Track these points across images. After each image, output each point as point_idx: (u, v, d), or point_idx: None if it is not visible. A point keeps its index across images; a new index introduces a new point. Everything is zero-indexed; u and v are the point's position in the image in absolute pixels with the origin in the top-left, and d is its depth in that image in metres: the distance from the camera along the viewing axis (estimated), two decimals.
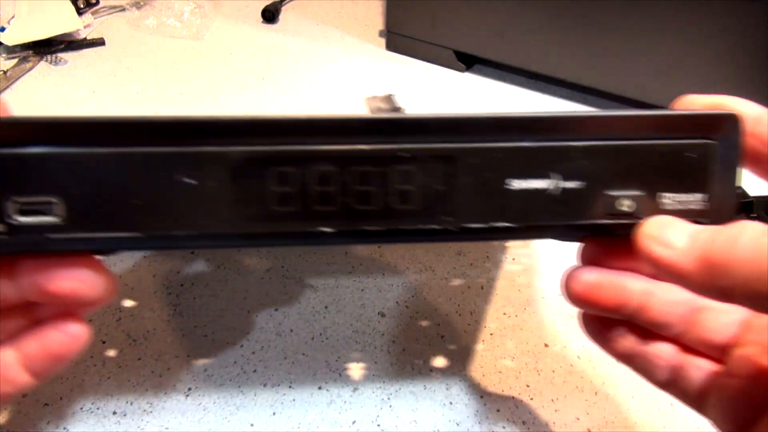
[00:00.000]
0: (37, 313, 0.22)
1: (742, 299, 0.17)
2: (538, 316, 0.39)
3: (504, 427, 0.33)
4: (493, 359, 0.36)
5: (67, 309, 0.22)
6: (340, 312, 0.38)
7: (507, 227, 0.20)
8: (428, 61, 0.72)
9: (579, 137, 0.20)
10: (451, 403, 0.34)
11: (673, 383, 0.24)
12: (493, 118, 0.20)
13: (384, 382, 0.34)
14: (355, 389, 0.34)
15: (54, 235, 0.19)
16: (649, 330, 0.23)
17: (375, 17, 0.84)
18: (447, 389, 0.34)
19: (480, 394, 0.34)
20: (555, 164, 0.20)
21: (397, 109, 0.57)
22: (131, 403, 0.32)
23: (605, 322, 0.24)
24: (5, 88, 0.61)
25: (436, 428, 0.32)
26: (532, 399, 0.34)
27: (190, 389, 0.33)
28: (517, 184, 0.20)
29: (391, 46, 0.74)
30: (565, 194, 0.20)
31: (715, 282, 0.17)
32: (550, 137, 0.20)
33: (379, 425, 0.32)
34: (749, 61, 0.54)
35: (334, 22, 0.82)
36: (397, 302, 0.39)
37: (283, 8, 0.83)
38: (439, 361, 0.36)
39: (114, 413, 0.32)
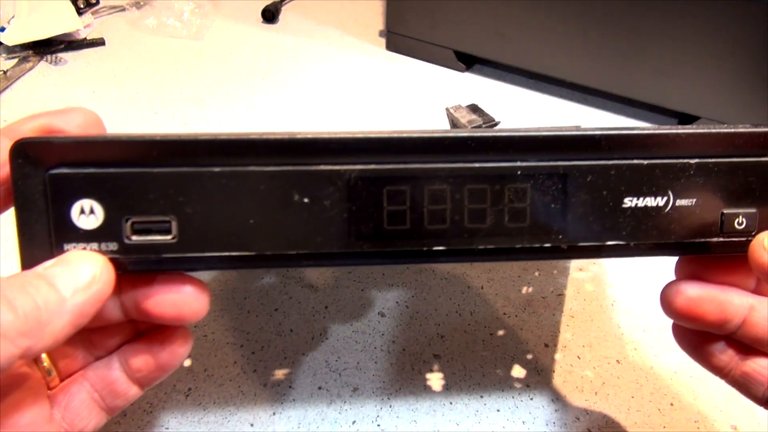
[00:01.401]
0: (138, 324, 0.23)
1: None
2: (537, 316, 0.39)
3: (504, 427, 0.33)
4: (493, 359, 0.36)
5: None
6: (340, 312, 0.38)
7: (619, 245, 0.20)
8: (428, 61, 0.72)
9: (693, 154, 0.19)
10: (451, 403, 0.34)
11: None
12: (607, 135, 0.19)
13: (384, 382, 0.34)
14: (355, 389, 0.34)
15: (166, 254, 0.19)
16: (749, 345, 0.23)
17: (375, 17, 0.84)
18: (447, 389, 0.34)
19: (480, 394, 0.34)
20: (669, 182, 0.20)
21: (491, 120, 0.55)
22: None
23: (703, 336, 0.24)
24: (5, 88, 0.61)
25: (436, 428, 0.32)
26: (532, 399, 0.34)
27: (190, 389, 0.33)
28: (632, 201, 0.20)
29: (391, 46, 0.74)
30: (678, 212, 0.20)
31: None
32: (664, 154, 0.19)
33: (379, 425, 0.32)
34: (749, 61, 0.54)
35: (334, 22, 0.82)
36: (397, 302, 0.39)
37: (283, 8, 0.83)
38: (439, 361, 0.36)
39: None
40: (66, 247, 0.19)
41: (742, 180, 0.20)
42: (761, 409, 0.24)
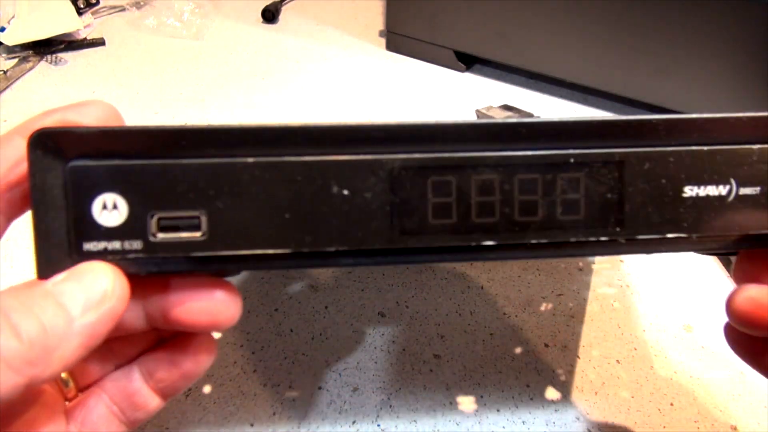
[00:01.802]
0: (161, 331, 0.21)
1: None
2: (537, 316, 0.39)
3: (504, 427, 0.33)
4: (493, 359, 0.36)
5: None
6: (340, 312, 0.38)
7: (679, 238, 0.19)
8: (428, 61, 0.72)
9: (756, 139, 0.18)
10: (451, 403, 0.34)
11: None
12: (665, 120, 0.18)
13: (384, 382, 0.34)
14: (355, 389, 0.34)
15: (196, 253, 0.18)
16: None
17: (375, 17, 0.84)
18: (447, 389, 0.34)
19: (480, 394, 0.34)
20: (732, 169, 0.18)
21: (530, 115, 0.54)
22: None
23: (762, 342, 0.22)
24: (5, 88, 0.61)
25: (436, 428, 0.32)
26: (532, 399, 0.34)
27: (190, 389, 0.33)
28: (692, 191, 0.19)
29: (391, 46, 0.74)
30: (742, 201, 0.19)
31: None
32: (726, 139, 0.18)
33: (379, 425, 0.32)
34: (749, 61, 0.54)
35: (334, 22, 0.82)
36: (397, 302, 0.39)
37: (283, 8, 0.83)
38: (439, 361, 0.36)
39: None
40: (86, 246, 0.17)
41: None
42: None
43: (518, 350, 0.37)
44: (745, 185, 0.19)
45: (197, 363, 0.21)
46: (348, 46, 0.75)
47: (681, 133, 0.18)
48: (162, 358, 0.21)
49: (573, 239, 0.19)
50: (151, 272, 0.18)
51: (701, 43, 0.55)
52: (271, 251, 0.18)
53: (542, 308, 0.39)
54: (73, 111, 0.18)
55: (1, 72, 0.62)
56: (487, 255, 0.19)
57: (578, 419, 0.33)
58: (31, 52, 0.67)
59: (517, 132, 0.18)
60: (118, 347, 0.21)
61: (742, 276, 0.22)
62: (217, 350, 0.21)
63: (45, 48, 0.68)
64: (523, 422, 0.33)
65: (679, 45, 0.56)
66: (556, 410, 0.34)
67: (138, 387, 0.21)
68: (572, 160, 0.18)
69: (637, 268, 0.42)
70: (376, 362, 0.35)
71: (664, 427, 0.33)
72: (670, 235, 0.19)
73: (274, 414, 0.32)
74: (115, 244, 0.17)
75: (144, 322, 0.20)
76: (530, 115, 0.54)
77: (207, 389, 0.33)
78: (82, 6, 0.76)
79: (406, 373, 0.35)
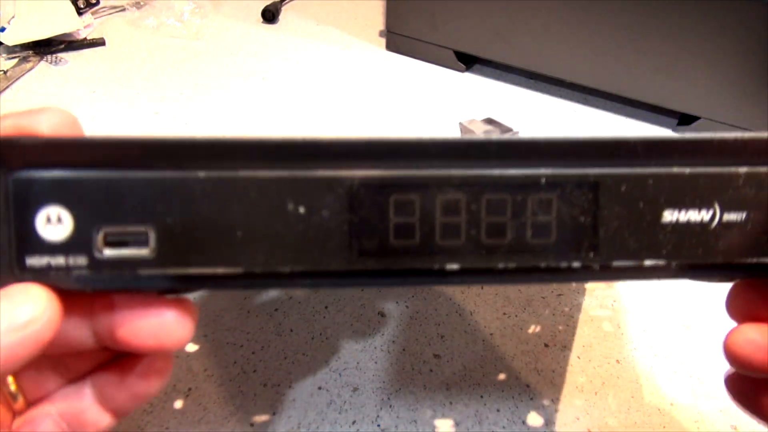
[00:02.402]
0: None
1: None
2: (537, 316, 0.39)
3: (504, 427, 0.33)
4: (493, 359, 0.36)
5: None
6: (340, 312, 0.38)
7: (658, 265, 0.18)
8: (428, 61, 0.72)
9: (741, 162, 0.17)
10: (451, 403, 0.34)
11: None
12: (643, 140, 0.17)
13: (384, 382, 0.34)
14: (355, 389, 0.34)
15: (144, 271, 0.17)
16: None
17: (375, 17, 0.84)
18: (447, 389, 0.34)
19: (480, 393, 0.34)
20: (716, 193, 0.17)
21: (509, 130, 0.52)
22: None
23: (761, 385, 0.21)
24: (5, 88, 0.61)
25: (436, 428, 0.32)
26: (532, 399, 0.34)
27: (190, 389, 0.33)
28: (672, 215, 0.17)
29: (391, 46, 0.74)
30: (726, 227, 0.18)
31: None
32: (710, 161, 0.17)
33: (379, 425, 0.32)
34: (749, 61, 0.54)
35: (334, 22, 0.82)
36: (396, 302, 0.39)
37: (283, 8, 0.83)
38: (439, 361, 0.36)
39: None
40: (28, 261, 0.17)
41: None
42: None
43: (518, 350, 0.37)
44: (729, 210, 0.17)
45: (147, 385, 0.20)
46: (348, 46, 0.75)
47: (661, 154, 0.17)
48: (113, 376, 0.20)
49: (543, 264, 0.18)
50: (96, 289, 0.18)
51: (701, 43, 0.55)
52: (221, 271, 0.17)
53: (542, 308, 0.39)
54: (27, 117, 0.18)
55: (1, 72, 0.62)
56: (452, 279, 0.18)
57: (578, 419, 0.33)
58: (31, 52, 0.67)
59: (485, 150, 0.17)
60: (71, 362, 0.20)
61: (736, 309, 0.21)
62: (171, 371, 0.20)
63: (45, 48, 0.68)
64: (523, 422, 0.33)
65: (680, 45, 0.56)
66: (556, 410, 0.34)
67: (87, 404, 0.20)
68: (544, 181, 0.17)
69: None
70: (376, 362, 0.35)
71: (664, 427, 0.33)
72: (647, 262, 0.18)
73: (274, 414, 0.32)
74: (59, 260, 0.17)
75: (92, 340, 0.19)
76: (510, 130, 0.52)
77: (207, 389, 0.33)
78: (82, 6, 0.76)
79: (406, 373, 0.35)
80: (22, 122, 0.17)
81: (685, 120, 0.60)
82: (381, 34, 0.78)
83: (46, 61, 0.67)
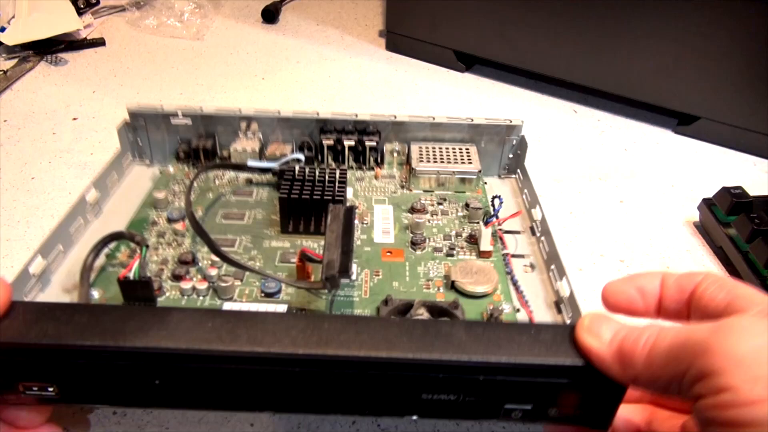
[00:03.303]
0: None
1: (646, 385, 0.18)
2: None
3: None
4: None
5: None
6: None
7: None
8: (428, 61, 0.72)
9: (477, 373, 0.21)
10: None
11: None
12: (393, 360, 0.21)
13: None
14: None
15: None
16: None
17: (375, 17, 0.84)
18: None
19: None
20: (461, 387, 0.22)
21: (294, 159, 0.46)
22: None
23: None
24: (5, 88, 0.61)
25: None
26: None
27: None
28: (428, 396, 0.22)
29: (391, 46, 0.74)
30: (466, 403, 0.22)
31: (626, 371, 0.19)
32: (456, 374, 0.21)
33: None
34: (749, 61, 0.54)
35: (334, 22, 0.82)
36: None
37: (283, 8, 0.83)
38: None
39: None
40: None
41: (515, 388, 0.21)
42: None
43: None
44: (468, 396, 0.22)
45: None
46: (348, 46, 0.75)
47: (419, 368, 0.21)
48: None
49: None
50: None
51: (701, 43, 0.55)
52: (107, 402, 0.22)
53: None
54: None
55: (1, 72, 0.62)
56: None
57: None
58: (31, 52, 0.67)
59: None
60: None
61: None
62: None
63: (45, 48, 0.68)
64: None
65: (680, 45, 0.56)
66: None
67: None
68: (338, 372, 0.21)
69: (637, 267, 0.42)
70: None
71: None
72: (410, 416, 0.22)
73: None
74: None
75: None
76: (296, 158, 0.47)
77: None
78: (82, 6, 0.77)
79: None
80: None
81: (685, 120, 0.60)
82: (381, 34, 0.78)
83: (46, 61, 0.67)
